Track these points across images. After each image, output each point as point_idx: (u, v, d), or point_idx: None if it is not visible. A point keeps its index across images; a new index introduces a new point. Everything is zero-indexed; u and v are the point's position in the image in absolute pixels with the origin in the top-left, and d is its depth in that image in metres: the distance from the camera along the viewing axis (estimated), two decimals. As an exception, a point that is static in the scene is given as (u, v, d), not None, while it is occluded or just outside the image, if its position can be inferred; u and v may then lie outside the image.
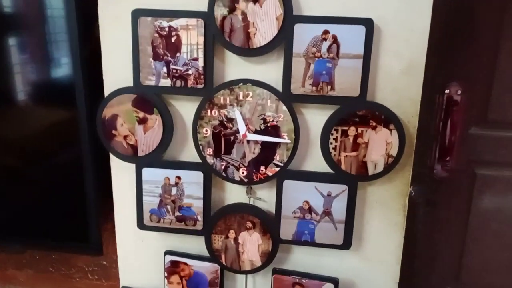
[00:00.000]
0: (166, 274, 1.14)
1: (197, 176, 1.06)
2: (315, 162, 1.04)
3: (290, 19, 0.94)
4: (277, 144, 1.01)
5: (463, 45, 1.20)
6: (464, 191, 1.30)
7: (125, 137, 1.05)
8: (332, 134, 0.99)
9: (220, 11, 0.95)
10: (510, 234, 1.32)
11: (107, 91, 1.06)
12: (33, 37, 1.13)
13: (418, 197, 1.26)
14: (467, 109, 1.22)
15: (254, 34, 0.95)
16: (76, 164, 1.17)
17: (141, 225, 1.11)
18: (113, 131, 1.05)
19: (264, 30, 0.95)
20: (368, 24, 0.92)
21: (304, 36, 0.94)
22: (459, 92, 1.20)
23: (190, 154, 1.07)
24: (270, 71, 1.00)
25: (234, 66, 1.01)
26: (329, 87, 0.96)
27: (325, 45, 0.94)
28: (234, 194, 1.10)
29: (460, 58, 1.21)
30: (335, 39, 0.93)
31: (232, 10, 0.95)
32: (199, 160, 1.05)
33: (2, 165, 1.26)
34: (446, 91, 1.21)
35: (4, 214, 1.31)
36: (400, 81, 0.98)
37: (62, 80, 1.13)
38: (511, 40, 1.18)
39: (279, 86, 0.99)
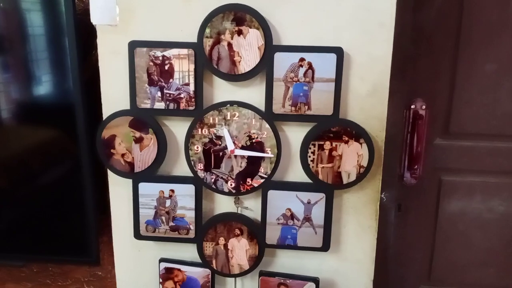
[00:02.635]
0: (161, 280, 1.17)
1: (189, 189, 1.10)
2: (296, 173, 1.09)
3: (270, 48, 0.99)
4: (261, 158, 1.06)
5: (426, 67, 1.27)
6: (432, 196, 1.37)
7: (122, 155, 1.09)
8: (310, 148, 1.04)
9: (208, 42, 1.00)
10: (474, 234, 1.38)
11: (105, 113, 1.09)
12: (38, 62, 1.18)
13: (389, 202, 1.31)
14: (431, 122, 1.28)
15: (239, 62, 1.00)
16: (75, 180, 1.20)
17: (137, 235, 1.14)
18: (112, 150, 1.08)
19: (248, 58, 1.00)
20: (338, 52, 0.98)
21: (283, 63, 1.00)
22: (424, 107, 1.26)
23: (182, 169, 1.11)
24: (254, 94, 1.05)
25: (221, 90, 1.06)
26: (306, 107, 1.02)
27: (301, 70, 1.00)
28: (223, 204, 1.14)
29: (423, 78, 1.28)
30: (310, 66, 1.00)
31: (219, 41, 1.00)
32: (191, 174, 1.09)
33: (3, 180, 1.28)
34: (412, 106, 1.26)
35: (5, 229, 1.32)
36: (368, 101, 1.03)
37: (64, 104, 1.17)
38: (467, 62, 1.26)
39: (262, 107, 1.04)
